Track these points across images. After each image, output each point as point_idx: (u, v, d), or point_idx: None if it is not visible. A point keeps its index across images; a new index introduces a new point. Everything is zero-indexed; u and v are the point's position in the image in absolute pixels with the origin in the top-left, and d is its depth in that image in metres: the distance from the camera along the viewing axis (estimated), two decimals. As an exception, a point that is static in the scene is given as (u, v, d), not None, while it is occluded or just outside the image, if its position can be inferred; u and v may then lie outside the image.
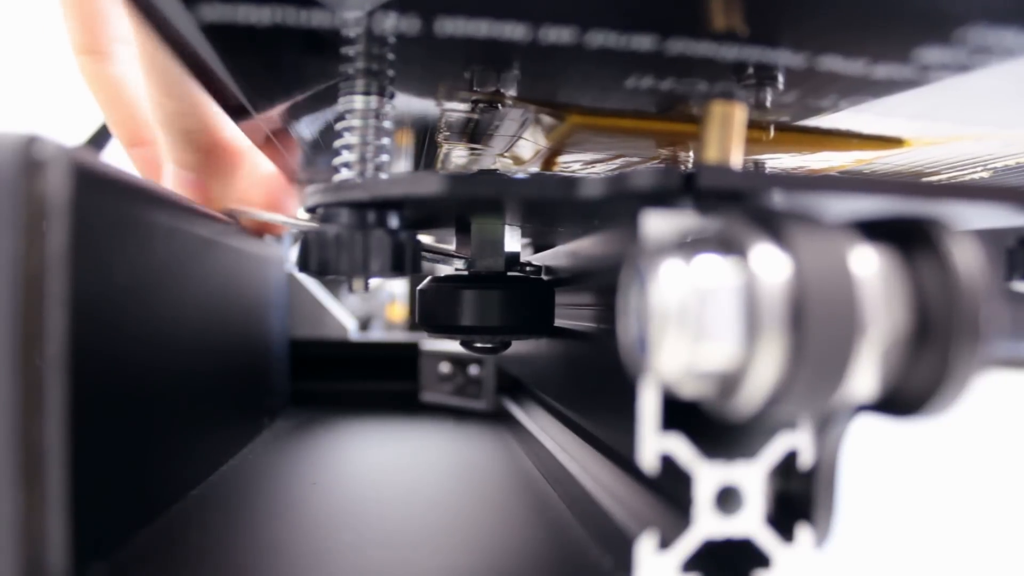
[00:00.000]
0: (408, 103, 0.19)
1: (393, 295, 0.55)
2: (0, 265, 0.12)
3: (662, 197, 0.13)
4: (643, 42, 0.13)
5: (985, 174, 0.23)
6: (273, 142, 0.21)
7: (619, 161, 0.24)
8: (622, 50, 0.14)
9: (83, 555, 0.13)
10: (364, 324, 0.54)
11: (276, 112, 0.19)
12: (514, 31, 0.13)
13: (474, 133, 0.21)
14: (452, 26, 0.12)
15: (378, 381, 0.37)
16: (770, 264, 0.10)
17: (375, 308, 0.55)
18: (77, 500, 0.13)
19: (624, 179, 0.13)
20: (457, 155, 0.24)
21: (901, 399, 0.12)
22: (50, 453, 0.12)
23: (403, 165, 0.27)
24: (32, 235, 0.12)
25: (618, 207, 0.15)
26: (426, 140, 0.23)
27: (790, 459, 0.13)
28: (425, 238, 0.26)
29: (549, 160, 0.24)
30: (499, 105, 0.19)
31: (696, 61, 0.14)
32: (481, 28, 0.12)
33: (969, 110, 0.17)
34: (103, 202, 0.14)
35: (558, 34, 0.13)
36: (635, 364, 0.12)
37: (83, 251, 0.13)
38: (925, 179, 0.24)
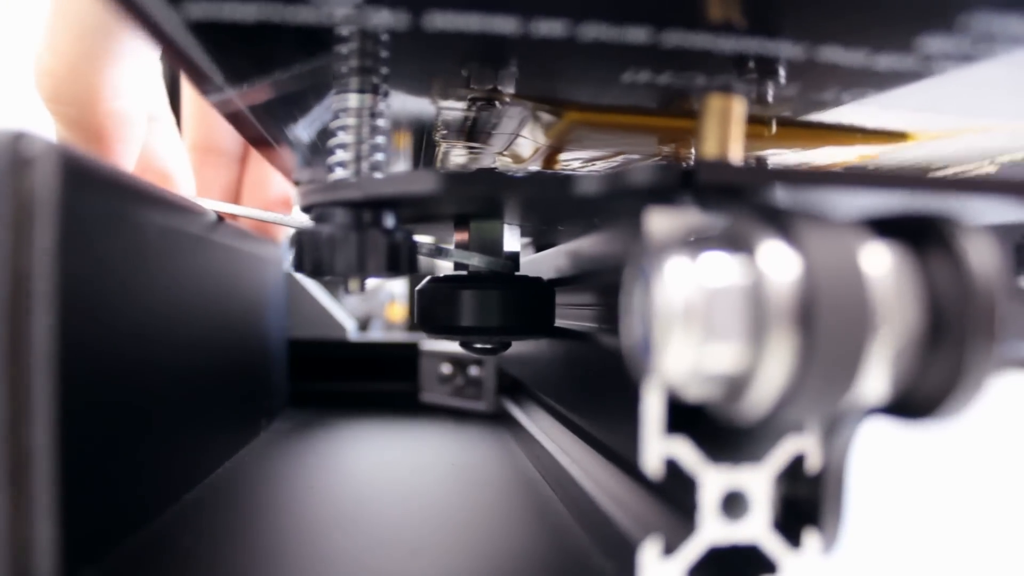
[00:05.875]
0: (405, 102, 0.18)
1: (392, 295, 0.55)
2: (-15, 266, 0.12)
3: (664, 194, 0.12)
4: (638, 35, 0.13)
5: (991, 168, 0.23)
6: (268, 142, 0.21)
7: (620, 158, 0.23)
8: (617, 43, 0.13)
9: (73, 560, 0.13)
10: (363, 324, 0.54)
11: (265, 112, 0.18)
12: (505, 25, 0.12)
13: (472, 131, 0.21)
14: (442, 20, 0.12)
15: (377, 382, 0.36)
16: (779, 262, 0.10)
17: (374, 308, 0.54)
18: (66, 504, 0.12)
19: (622, 176, 0.13)
20: (456, 154, 0.24)
21: (913, 402, 0.11)
22: (37, 456, 0.12)
23: (402, 165, 0.26)
24: (19, 233, 0.12)
25: (619, 205, 0.15)
26: (423, 140, 0.22)
27: (797, 463, 0.13)
28: (424, 238, 0.26)
29: (550, 158, 0.24)
30: (497, 103, 0.18)
31: (693, 54, 0.14)
32: (472, 22, 0.12)
33: (976, 101, 0.16)
34: (92, 199, 0.14)
35: (550, 27, 0.12)
36: (639, 366, 0.11)
37: (72, 249, 0.13)
38: (930, 174, 0.24)
